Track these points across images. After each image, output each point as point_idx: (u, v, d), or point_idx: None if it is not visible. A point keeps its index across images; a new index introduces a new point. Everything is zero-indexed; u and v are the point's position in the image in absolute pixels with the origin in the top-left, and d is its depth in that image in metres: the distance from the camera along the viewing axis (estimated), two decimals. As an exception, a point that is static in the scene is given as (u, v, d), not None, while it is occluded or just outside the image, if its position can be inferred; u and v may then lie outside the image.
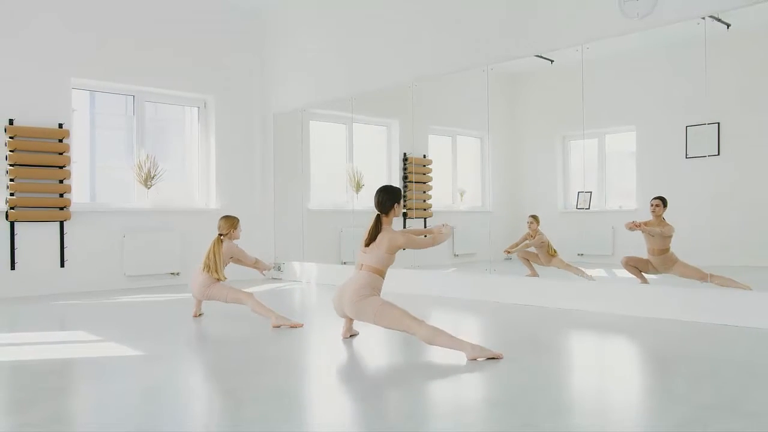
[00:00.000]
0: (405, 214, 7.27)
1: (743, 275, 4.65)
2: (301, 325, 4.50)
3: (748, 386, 2.89)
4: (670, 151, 5.50)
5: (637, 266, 5.20)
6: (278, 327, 4.46)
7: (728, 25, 4.72)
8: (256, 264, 5.10)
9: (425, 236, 4.00)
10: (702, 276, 4.74)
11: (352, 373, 3.38)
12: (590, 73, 5.40)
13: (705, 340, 3.96)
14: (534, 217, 5.99)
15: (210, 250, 4.87)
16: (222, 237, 4.92)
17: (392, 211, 3.83)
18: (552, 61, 5.82)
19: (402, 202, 3.90)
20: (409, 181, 7.21)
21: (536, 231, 5.92)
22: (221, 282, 4.82)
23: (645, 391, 2.95)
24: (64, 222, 6.69)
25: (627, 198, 6.01)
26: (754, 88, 5.00)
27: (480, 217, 6.70)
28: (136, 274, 7.16)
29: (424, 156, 7.27)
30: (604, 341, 4.19)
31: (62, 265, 6.69)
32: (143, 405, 2.76)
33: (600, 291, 5.18)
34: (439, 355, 3.52)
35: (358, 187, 7.60)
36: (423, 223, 7.13)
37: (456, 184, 7.26)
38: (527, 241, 5.97)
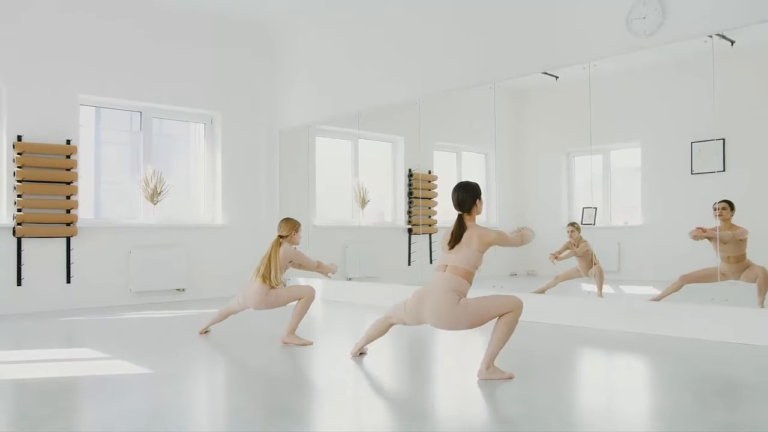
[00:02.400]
0: (410, 230, 7.28)
1: (752, 292, 4.64)
2: (311, 343, 4.48)
3: (763, 406, 2.87)
4: (676, 167, 5.51)
5: (699, 282, 4.78)
6: (287, 344, 4.44)
7: (732, 42, 4.75)
8: (319, 267, 4.71)
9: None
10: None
11: (362, 392, 3.37)
12: (595, 89, 5.43)
13: (716, 359, 3.94)
14: (573, 224, 5.81)
15: (267, 254, 4.55)
16: (282, 240, 4.61)
17: (474, 207, 3.49)
18: (557, 77, 5.85)
19: (482, 197, 3.56)
20: (415, 197, 7.22)
21: (579, 239, 5.73)
22: (276, 288, 4.54)
23: (657, 411, 2.93)
24: (71, 238, 6.71)
25: (632, 214, 6.01)
26: (760, 104, 5.01)
27: (485, 233, 6.68)
28: (142, 290, 7.15)
29: (429, 172, 7.29)
30: (613, 359, 4.17)
31: (68, 281, 6.70)
32: (151, 424, 2.75)
33: (607, 308, 5.16)
34: (448, 372, 3.50)
35: (364, 203, 7.61)
36: (428, 238, 7.13)
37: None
38: (567, 251, 5.74)
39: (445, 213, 7.20)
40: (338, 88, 7.55)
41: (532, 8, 5.74)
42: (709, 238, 4.74)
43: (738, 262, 4.70)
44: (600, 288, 5.48)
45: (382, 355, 4.12)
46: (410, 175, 7.32)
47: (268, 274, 4.46)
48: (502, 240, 3.47)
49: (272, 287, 4.48)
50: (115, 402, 3.03)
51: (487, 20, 6.09)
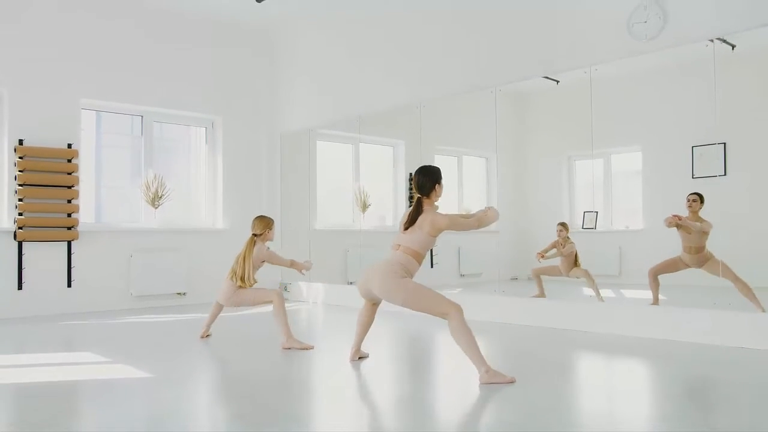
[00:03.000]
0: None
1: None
2: (312, 347, 4.48)
3: (764, 411, 2.86)
4: (677, 171, 5.51)
5: (666, 272, 5.08)
6: (288, 349, 4.44)
7: (733, 46, 4.75)
8: (292, 264, 4.81)
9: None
10: (735, 278, 4.65)
11: (363, 395, 3.36)
12: (596, 93, 5.43)
13: (717, 363, 3.93)
14: (563, 224, 5.89)
15: (241, 254, 4.65)
16: (256, 238, 4.71)
17: (434, 192, 3.59)
18: (558, 81, 5.86)
19: (443, 182, 3.65)
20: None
21: (566, 239, 5.82)
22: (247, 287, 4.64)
23: (658, 415, 2.92)
24: (72, 242, 6.71)
25: (633, 218, 6.00)
26: (761, 108, 5.01)
27: (486, 237, 6.69)
28: (143, 294, 7.15)
29: (431, 176, 7.27)
30: (614, 363, 4.17)
31: (69, 285, 6.70)
32: (151, 428, 2.74)
33: (608, 312, 5.15)
34: (449, 377, 3.50)
35: (365, 207, 7.61)
36: (429, 242, 7.12)
37: (462, 204, 7.26)
38: (554, 251, 5.85)
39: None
40: (339, 91, 7.56)
41: (533, 12, 5.75)
42: (680, 227, 5.03)
43: (698, 253, 4.95)
44: (597, 291, 5.47)
45: (382, 358, 4.11)
46: (411, 179, 7.31)
47: (242, 274, 4.58)
48: (454, 224, 3.54)
49: (241, 287, 4.61)
50: (116, 406, 3.03)
51: (488, 24, 6.10)
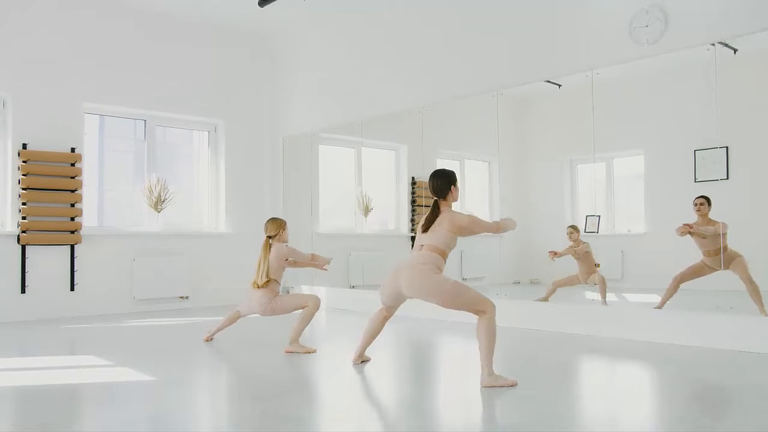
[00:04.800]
0: (413, 238, 7.27)
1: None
2: (314, 351, 4.48)
3: None
4: (679, 175, 5.51)
5: (692, 278, 4.97)
6: (291, 353, 4.44)
7: (735, 50, 4.76)
8: (314, 260, 4.75)
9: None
10: (749, 279, 4.63)
11: (365, 399, 3.36)
12: (598, 96, 5.44)
13: (720, 367, 3.92)
14: (573, 227, 5.85)
15: (259, 259, 4.59)
16: (270, 240, 4.66)
17: (450, 194, 3.57)
18: (560, 85, 5.87)
19: (458, 184, 3.64)
20: (418, 205, 7.23)
21: (578, 240, 5.78)
22: (280, 294, 4.59)
23: (661, 419, 2.92)
24: (75, 245, 6.72)
25: (636, 221, 6.00)
26: (763, 112, 5.01)
27: (488, 241, 6.68)
28: (146, 298, 7.16)
29: (433, 180, 7.28)
30: (617, 367, 4.16)
31: (72, 289, 6.71)
32: (155, 431, 2.75)
33: (611, 316, 5.14)
34: (451, 380, 3.50)
35: (367, 210, 7.62)
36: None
37: (464, 208, 7.27)
38: (569, 250, 5.80)
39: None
40: (341, 95, 7.58)
41: (535, 17, 5.76)
42: (693, 234, 4.93)
43: (717, 254, 4.84)
44: (603, 296, 5.47)
45: (384, 362, 4.11)
46: (413, 182, 7.33)
47: (265, 275, 4.51)
48: (473, 222, 3.53)
49: (268, 287, 4.51)
50: (119, 409, 3.03)
51: (490, 28, 6.11)
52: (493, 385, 3.30)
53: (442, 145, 7.22)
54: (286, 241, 4.69)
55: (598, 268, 5.57)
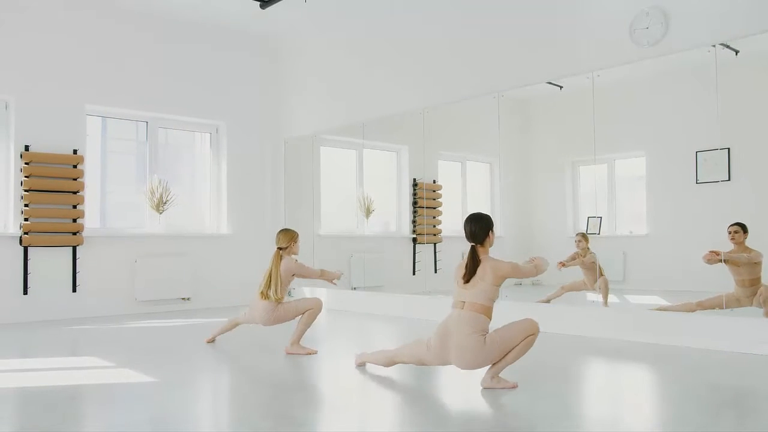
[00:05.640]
0: (415, 240, 7.28)
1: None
2: (315, 352, 4.48)
3: None
4: (681, 176, 5.51)
5: (712, 307, 4.67)
6: (292, 354, 4.45)
7: (737, 52, 4.76)
8: (322, 274, 4.67)
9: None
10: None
11: (366, 400, 3.37)
12: (600, 98, 5.44)
13: (723, 369, 3.92)
14: (582, 235, 5.82)
15: (269, 270, 4.52)
16: (281, 251, 4.59)
17: (487, 239, 3.41)
18: (561, 87, 5.87)
19: (495, 228, 3.50)
20: (419, 207, 7.24)
21: (586, 249, 5.76)
22: (283, 302, 4.54)
23: (663, 421, 2.92)
24: (77, 247, 6.74)
25: (637, 223, 6.00)
26: (765, 113, 5.01)
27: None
28: (148, 300, 7.17)
29: (434, 181, 7.30)
30: (619, 369, 4.16)
31: (74, 290, 6.72)
32: (157, 433, 2.76)
33: (613, 317, 5.14)
34: (453, 382, 3.50)
35: (368, 212, 7.63)
36: (433, 248, 7.13)
37: (466, 209, 7.27)
38: (576, 260, 5.77)
39: (450, 222, 7.21)
40: (343, 97, 7.59)
41: (536, 18, 5.77)
42: (724, 261, 4.67)
43: (753, 285, 4.62)
44: (605, 298, 5.47)
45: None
46: (415, 184, 7.34)
47: (268, 290, 4.45)
48: (516, 272, 3.39)
49: (278, 301, 4.48)
50: (121, 411, 3.04)
51: (492, 30, 6.12)
52: (494, 386, 3.31)
53: (444, 146, 7.22)
54: (297, 254, 4.63)
55: (602, 275, 5.56)
